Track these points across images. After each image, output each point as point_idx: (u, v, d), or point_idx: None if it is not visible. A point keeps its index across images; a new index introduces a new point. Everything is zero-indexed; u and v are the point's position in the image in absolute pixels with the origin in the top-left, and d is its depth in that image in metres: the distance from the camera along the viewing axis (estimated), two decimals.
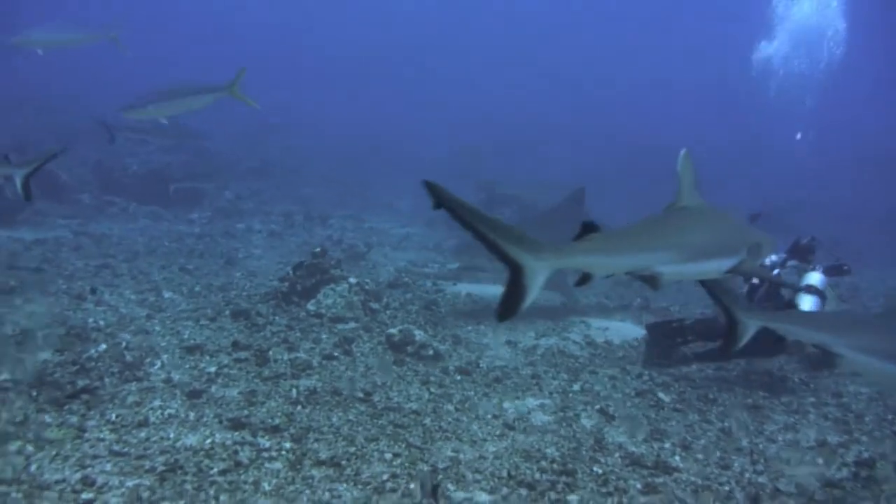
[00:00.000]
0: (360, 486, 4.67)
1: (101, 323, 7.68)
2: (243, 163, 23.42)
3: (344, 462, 4.97)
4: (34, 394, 5.58)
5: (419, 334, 7.80)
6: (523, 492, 4.81)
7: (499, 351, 8.22)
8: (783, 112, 29.49)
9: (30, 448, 4.74)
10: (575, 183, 12.28)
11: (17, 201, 13.10)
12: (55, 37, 11.70)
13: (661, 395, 7.11)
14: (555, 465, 5.23)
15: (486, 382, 7.02)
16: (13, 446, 4.74)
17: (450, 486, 4.80)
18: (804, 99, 28.91)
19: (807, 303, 7.09)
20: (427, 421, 5.89)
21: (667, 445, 5.84)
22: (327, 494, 4.53)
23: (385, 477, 4.81)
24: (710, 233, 4.49)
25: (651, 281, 3.85)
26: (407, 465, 5.03)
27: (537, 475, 5.07)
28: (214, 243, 13.65)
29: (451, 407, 6.28)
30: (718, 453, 5.78)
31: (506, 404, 6.49)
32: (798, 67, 29.08)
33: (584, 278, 3.67)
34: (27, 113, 23.75)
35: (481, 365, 7.56)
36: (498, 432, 5.81)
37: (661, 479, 5.15)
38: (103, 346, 6.80)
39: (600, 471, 5.23)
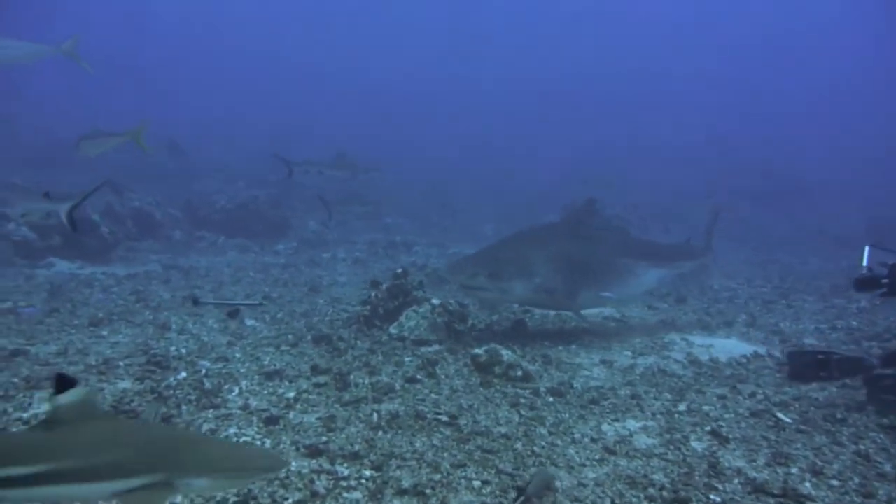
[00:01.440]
0: None
1: (183, 351, 7.58)
2: (327, 195, 23.64)
3: (428, 491, 4.53)
4: None
5: (507, 354, 7.31)
6: None
7: (593, 371, 7.62)
8: None
9: None
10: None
11: (112, 240, 13.54)
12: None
13: (779, 415, 6.33)
14: (664, 493, 4.61)
15: (582, 404, 6.45)
16: None
17: None
18: None
19: None
20: (518, 445, 5.38)
21: (794, 470, 5.10)
22: None
23: None
24: None
25: None
26: (498, 493, 4.53)
27: None
28: (299, 272, 13.64)
29: (543, 430, 5.74)
30: (857, 479, 5.00)
31: (604, 427, 5.90)
32: None
33: None
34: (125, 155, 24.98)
35: (575, 385, 6.99)
36: (597, 457, 5.23)
37: None
38: (183, 374, 6.69)
39: (718, 499, 4.58)
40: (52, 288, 10.49)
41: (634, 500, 4.53)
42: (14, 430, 5.16)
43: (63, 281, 11.23)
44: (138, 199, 16.17)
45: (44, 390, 6.06)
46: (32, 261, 12.47)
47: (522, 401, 6.43)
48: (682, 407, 6.49)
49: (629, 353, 8.38)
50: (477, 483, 4.68)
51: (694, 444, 5.58)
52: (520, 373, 7.11)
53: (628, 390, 6.92)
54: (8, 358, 6.93)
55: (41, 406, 5.70)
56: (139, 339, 7.97)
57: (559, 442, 5.49)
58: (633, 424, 5.99)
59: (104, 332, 8.19)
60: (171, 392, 6.16)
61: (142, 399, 5.86)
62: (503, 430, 5.71)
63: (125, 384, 6.35)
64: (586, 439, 5.57)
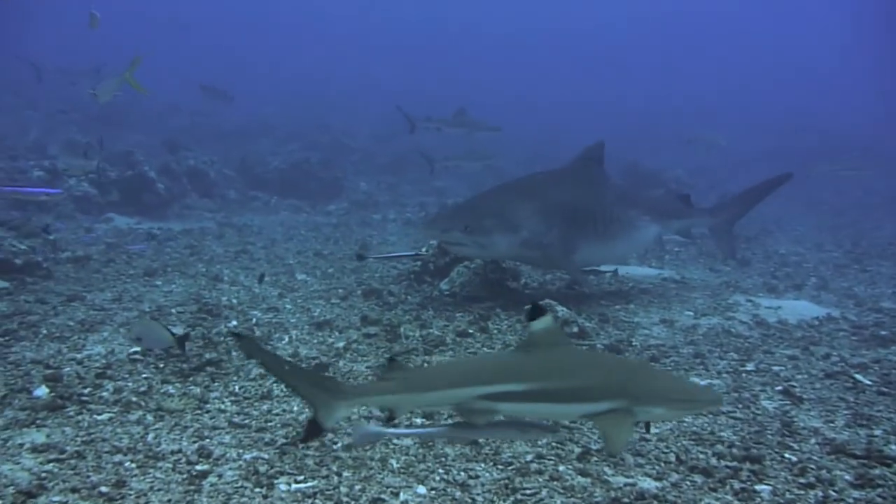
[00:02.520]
0: (500, 467, 4.01)
1: (234, 301, 7.54)
2: (378, 158, 23.54)
3: (481, 440, 4.33)
4: (161, 365, 5.39)
5: (562, 310, 7.02)
6: (698, 479, 3.95)
7: (653, 330, 7.28)
8: None
9: (150, 418, 4.48)
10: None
11: (168, 196, 13.68)
12: None
13: (858, 376, 5.91)
14: (734, 451, 4.30)
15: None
16: (133, 416, 4.50)
17: (607, 469, 4.03)
18: None
19: None
20: None
21: (877, 432, 4.72)
22: (463, 475, 3.90)
23: (529, 457, 4.12)
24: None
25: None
26: (555, 444, 4.30)
27: (713, 461, 4.18)
28: (350, 231, 13.54)
29: None
30: None
31: None
32: None
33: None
34: (182, 116, 25.50)
35: (634, 343, 6.68)
36: None
37: (877, 471, 4.09)
38: (233, 323, 6.63)
39: (794, 458, 4.25)
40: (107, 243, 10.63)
41: (702, 456, 4.24)
42: (67, 369, 5.16)
43: (121, 235, 11.37)
44: (193, 158, 16.27)
45: (97, 333, 6.07)
46: (92, 215, 12.67)
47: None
48: (749, 367, 6.12)
49: (691, 314, 8.00)
50: (537, 448, 4.45)
51: (764, 403, 5.23)
52: (575, 329, 6.83)
53: (691, 349, 6.57)
54: (65, 302, 6.99)
55: (94, 347, 5.70)
56: (192, 289, 7.96)
57: None
58: (698, 382, 5.66)
59: (158, 282, 8.22)
60: (222, 339, 6.10)
61: (192, 345, 5.80)
62: None
63: (177, 330, 6.32)
64: None
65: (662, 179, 19.90)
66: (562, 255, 7.92)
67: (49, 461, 3.83)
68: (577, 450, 4.25)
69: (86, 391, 4.81)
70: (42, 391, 4.74)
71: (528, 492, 3.73)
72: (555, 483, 3.83)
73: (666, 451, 4.29)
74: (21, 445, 3.97)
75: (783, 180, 9.46)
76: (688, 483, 3.89)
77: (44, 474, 3.67)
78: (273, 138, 24.75)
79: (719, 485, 3.88)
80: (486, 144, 14.94)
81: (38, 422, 4.30)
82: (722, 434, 4.58)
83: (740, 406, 5.13)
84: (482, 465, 4.03)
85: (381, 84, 39.88)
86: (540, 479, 3.86)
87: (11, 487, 3.49)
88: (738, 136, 26.61)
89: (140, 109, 23.61)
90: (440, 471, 3.95)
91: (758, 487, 3.87)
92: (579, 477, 3.92)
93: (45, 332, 6.02)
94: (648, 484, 3.88)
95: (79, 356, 5.49)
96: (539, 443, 4.31)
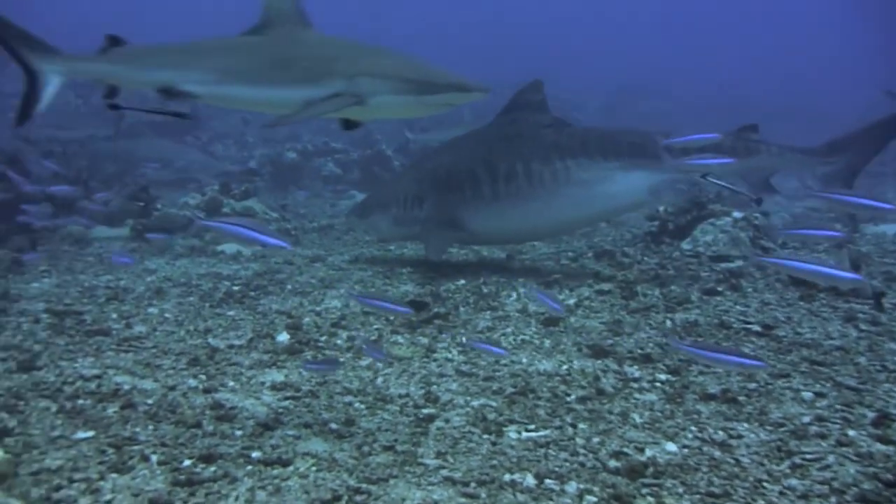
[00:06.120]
0: (768, 428, 3.33)
1: (461, 263, 7.43)
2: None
3: (742, 398, 3.67)
4: (390, 317, 5.36)
5: None
6: None
7: None
8: None
9: (379, 364, 4.42)
10: None
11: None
12: None
13: None
14: None
15: None
16: (364, 362, 4.46)
17: None
18: None
19: None
20: (861, 360, 4.21)
21: None
22: (721, 433, 3.29)
23: (807, 419, 3.38)
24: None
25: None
26: (839, 407, 3.50)
27: None
28: None
29: (895, 346, 4.46)
30: None
31: None
32: None
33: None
34: None
35: None
36: None
37: None
38: (462, 281, 6.49)
39: None
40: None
41: None
42: (307, 319, 5.33)
43: None
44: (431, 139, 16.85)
45: (335, 289, 6.25)
46: (337, 193, 13.56)
47: (861, 315, 5.12)
48: None
49: None
50: (808, 395, 3.70)
51: None
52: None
53: None
54: (309, 263, 7.36)
55: (332, 301, 5.86)
56: (422, 252, 8.01)
57: None
58: None
59: (391, 247, 8.40)
60: (450, 295, 5.97)
61: (421, 299, 5.74)
62: (837, 342, 4.55)
63: (407, 287, 6.32)
64: None
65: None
66: (434, 230, 6.68)
67: (286, 398, 3.88)
68: (871, 414, 3.41)
69: (322, 338, 4.90)
70: (284, 337, 4.92)
71: (808, 456, 3.02)
72: (845, 449, 3.07)
73: None
74: (262, 383, 4.09)
75: None
76: None
77: (280, 409, 3.71)
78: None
79: None
80: None
81: (278, 363, 4.42)
82: None
83: None
84: (745, 424, 3.38)
85: None
86: (824, 444, 3.13)
87: (252, 420, 3.56)
88: None
89: None
90: (692, 428, 3.37)
91: None
92: (878, 444, 3.11)
93: (290, 287, 6.33)
94: None
95: (318, 308, 5.66)
96: (816, 404, 3.54)
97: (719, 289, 6.01)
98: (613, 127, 7.57)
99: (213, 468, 3.03)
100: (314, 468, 3.06)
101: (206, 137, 16.96)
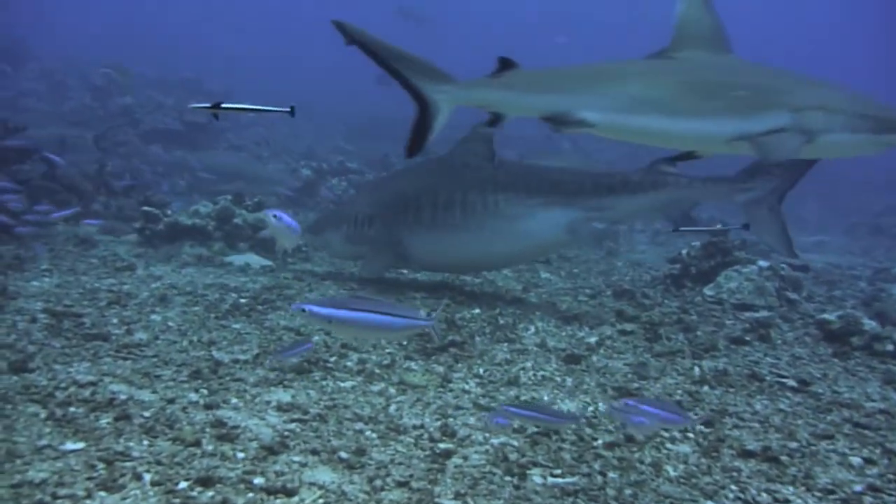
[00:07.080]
0: (815, 494, 3.05)
1: (477, 291, 7.19)
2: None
3: (785, 458, 3.39)
4: (404, 342, 5.11)
5: (870, 324, 5.69)
6: None
7: None
8: None
9: (392, 390, 4.16)
10: None
11: None
12: None
13: None
14: None
15: None
16: (376, 387, 4.20)
17: None
18: None
19: None
20: None
21: None
22: (765, 496, 3.01)
23: (858, 488, 3.11)
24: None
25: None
26: (892, 477, 3.23)
27: None
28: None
29: None
30: None
31: None
32: None
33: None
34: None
35: None
36: None
37: None
38: (477, 310, 6.25)
39: None
40: None
41: None
42: (316, 338, 5.07)
43: None
44: None
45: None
46: None
47: None
48: None
49: None
50: (856, 460, 3.42)
51: None
52: (890, 347, 5.47)
53: None
54: (319, 281, 7.12)
55: None
56: (437, 278, 7.77)
57: None
58: None
59: (405, 271, 8.16)
60: (465, 323, 5.72)
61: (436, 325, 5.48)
62: (878, 405, 4.28)
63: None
64: None
65: None
66: (380, 250, 6.86)
67: (292, 420, 3.62)
68: None
69: (331, 359, 4.64)
70: None
71: None
72: None
73: None
74: (268, 403, 3.83)
75: None
76: None
77: (286, 433, 3.45)
78: None
79: None
80: None
81: (285, 382, 4.17)
82: None
83: None
84: (790, 487, 3.11)
85: None
86: None
87: (255, 442, 3.30)
88: None
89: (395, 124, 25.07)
90: (733, 487, 3.10)
91: None
92: None
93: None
94: None
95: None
96: (866, 471, 3.27)
97: (747, 338, 5.75)
98: (553, 162, 7.72)
99: (210, 493, 2.76)
100: (321, 500, 2.79)
101: (222, 149, 16.88)
